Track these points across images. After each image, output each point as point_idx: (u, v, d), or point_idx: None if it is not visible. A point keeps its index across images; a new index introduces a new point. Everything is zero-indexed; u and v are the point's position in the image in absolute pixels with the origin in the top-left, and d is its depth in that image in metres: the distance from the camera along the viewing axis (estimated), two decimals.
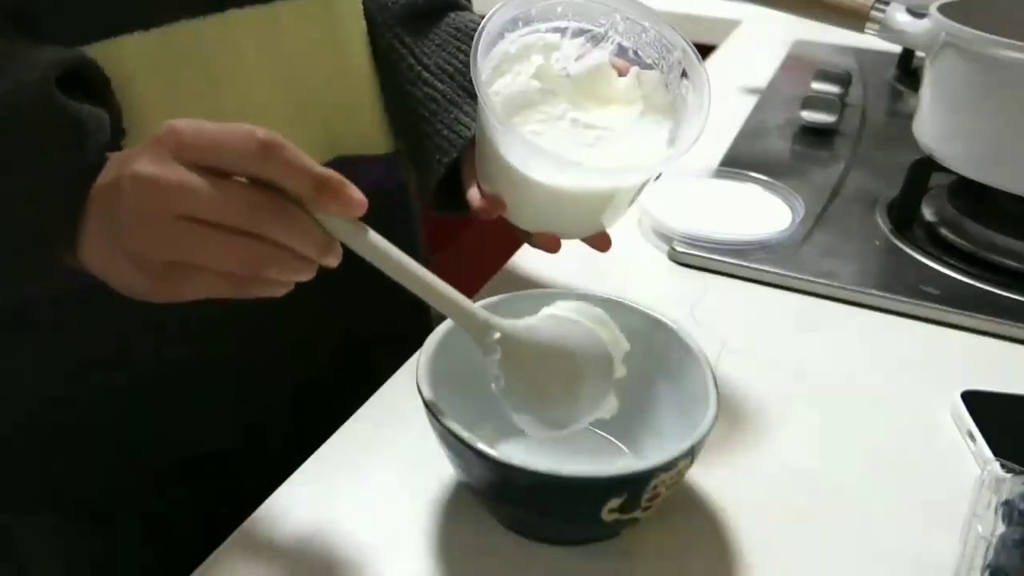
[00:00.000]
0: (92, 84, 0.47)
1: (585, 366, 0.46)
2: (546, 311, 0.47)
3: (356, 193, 0.39)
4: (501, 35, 0.51)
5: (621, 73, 0.52)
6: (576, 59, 0.52)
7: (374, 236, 0.41)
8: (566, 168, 0.48)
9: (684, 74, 0.51)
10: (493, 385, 0.45)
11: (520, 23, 0.52)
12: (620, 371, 0.46)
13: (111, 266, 0.42)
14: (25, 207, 0.42)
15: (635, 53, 0.53)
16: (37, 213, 0.42)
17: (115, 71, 0.48)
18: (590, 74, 0.52)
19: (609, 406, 0.46)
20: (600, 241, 0.55)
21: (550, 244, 0.54)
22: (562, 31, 0.53)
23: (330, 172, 0.38)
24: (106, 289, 0.51)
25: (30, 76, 0.42)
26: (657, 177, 0.53)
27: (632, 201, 0.53)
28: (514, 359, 0.44)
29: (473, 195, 0.54)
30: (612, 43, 0.53)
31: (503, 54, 0.51)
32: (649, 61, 0.53)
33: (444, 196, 0.60)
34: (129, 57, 0.49)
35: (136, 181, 0.38)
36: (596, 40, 0.53)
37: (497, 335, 0.44)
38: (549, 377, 0.45)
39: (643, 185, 0.52)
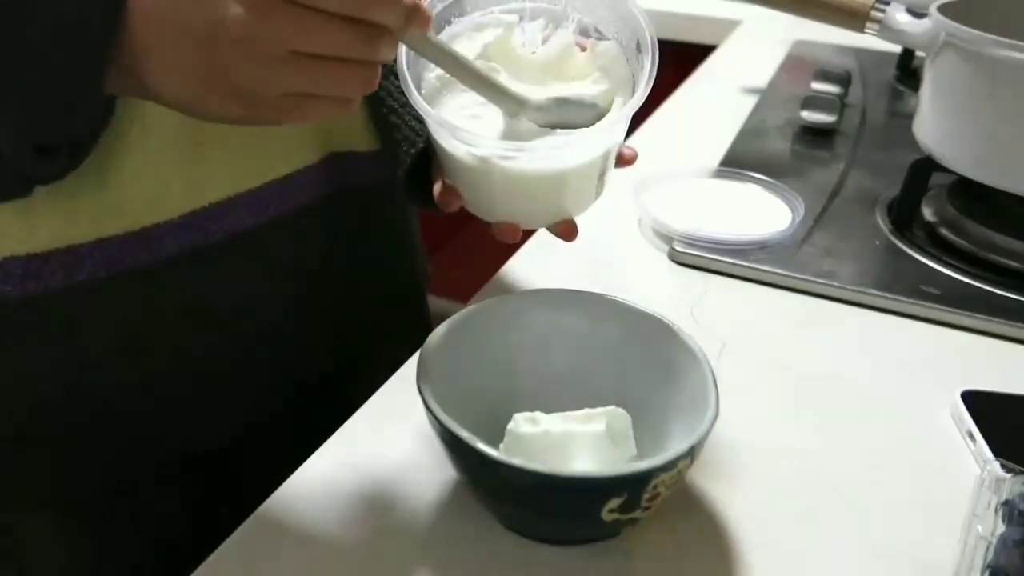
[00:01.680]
0: None
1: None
2: None
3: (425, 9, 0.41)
4: (448, 20, 0.51)
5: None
6: (543, 42, 0.51)
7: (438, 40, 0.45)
8: (498, 144, 0.47)
9: (639, 46, 0.50)
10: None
11: (469, 7, 0.51)
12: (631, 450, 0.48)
13: (203, 101, 0.40)
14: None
15: (596, 29, 0.52)
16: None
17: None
18: (560, 55, 0.51)
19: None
20: (564, 230, 0.53)
21: (508, 232, 0.53)
22: (520, 13, 0.52)
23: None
24: (110, 287, 0.51)
25: None
26: (627, 161, 0.52)
27: (598, 186, 0.52)
28: None
29: (436, 187, 0.54)
30: (573, 21, 0.52)
31: (451, 37, 0.51)
32: (609, 36, 0.52)
33: (421, 191, 0.60)
34: None
35: (239, 24, 0.37)
36: (556, 20, 0.52)
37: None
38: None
39: (602, 167, 0.50)
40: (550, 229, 0.54)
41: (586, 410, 0.48)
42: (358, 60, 0.39)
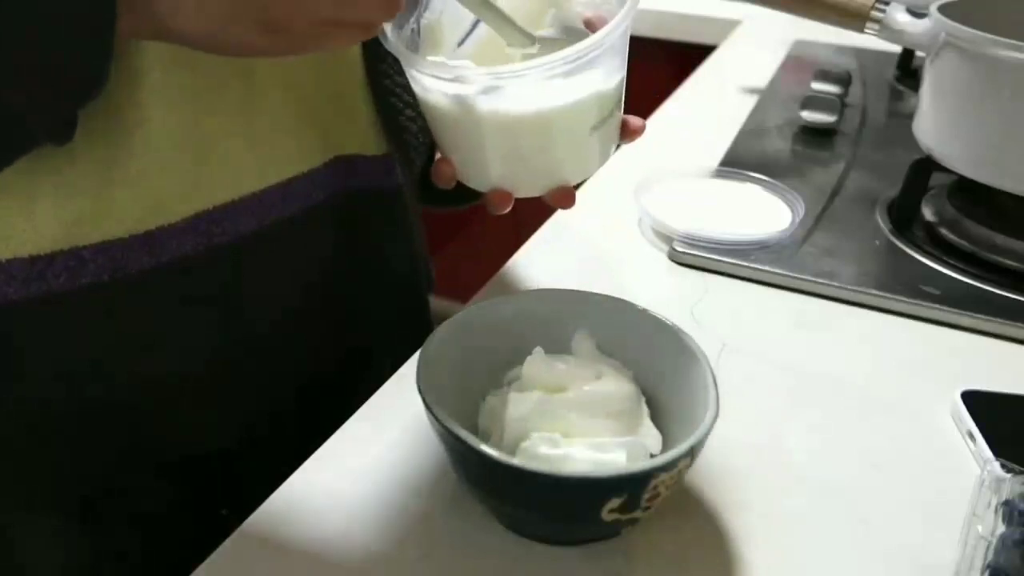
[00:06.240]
0: None
1: None
2: None
3: None
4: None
5: (593, 29, 0.50)
6: None
7: None
8: (476, 80, 0.45)
9: None
10: None
11: None
12: None
13: (225, 32, 0.39)
14: None
15: None
16: None
17: (133, 63, 0.48)
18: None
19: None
20: (562, 197, 0.52)
21: (500, 201, 0.51)
22: None
23: None
24: (114, 289, 0.51)
25: None
26: (633, 131, 0.50)
27: (595, 145, 0.49)
28: None
29: (434, 168, 0.54)
30: None
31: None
32: None
33: (430, 188, 0.60)
34: (148, 50, 0.49)
35: None
36: None
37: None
38: None
39: (597, 118, 0.48)
40: (546, 199, 0.53)
41: (605, 438, 0.47)
42: None
